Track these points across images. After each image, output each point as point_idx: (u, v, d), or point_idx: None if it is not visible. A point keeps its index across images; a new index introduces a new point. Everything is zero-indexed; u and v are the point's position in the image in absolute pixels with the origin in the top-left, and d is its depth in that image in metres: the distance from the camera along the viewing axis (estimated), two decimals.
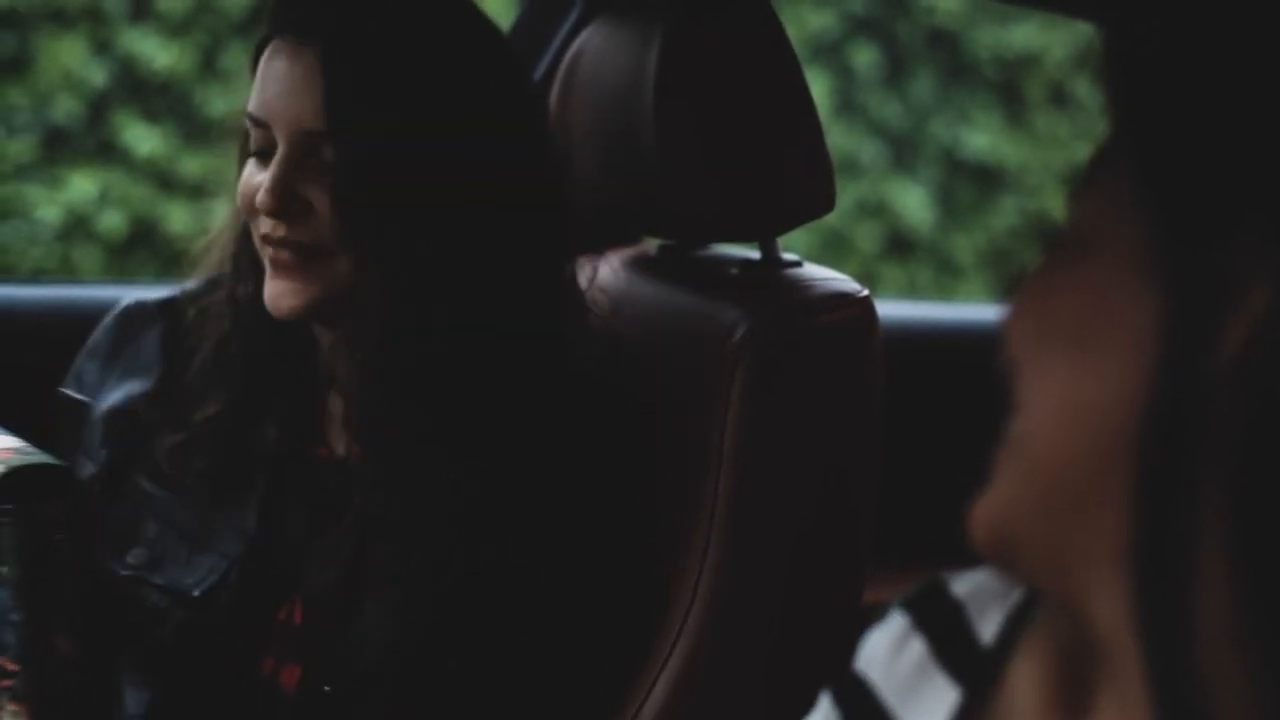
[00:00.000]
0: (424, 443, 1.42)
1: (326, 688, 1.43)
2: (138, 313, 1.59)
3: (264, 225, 1.43)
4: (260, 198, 1.42)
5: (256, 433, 1.50)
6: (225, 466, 1.49)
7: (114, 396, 1.54)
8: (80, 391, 1.56)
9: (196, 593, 1.46)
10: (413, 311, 1.41)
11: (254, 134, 1.45)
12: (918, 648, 0.79)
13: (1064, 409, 0.64)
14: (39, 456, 1.28)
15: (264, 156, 1.44)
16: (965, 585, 0.80)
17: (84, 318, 1.64)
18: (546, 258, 1.48)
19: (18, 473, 1.27)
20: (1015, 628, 0.76)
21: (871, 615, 0.84)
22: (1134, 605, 0.60)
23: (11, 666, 1.24)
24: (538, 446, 1.44)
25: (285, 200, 1.41)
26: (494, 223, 1.43)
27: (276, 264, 1.43)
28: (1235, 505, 0.56)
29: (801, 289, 1.51)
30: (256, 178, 1.44)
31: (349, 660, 1.42)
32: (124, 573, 1.49)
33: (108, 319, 1.60)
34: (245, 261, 1.50)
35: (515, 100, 1.47)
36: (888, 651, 0.81)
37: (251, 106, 1.44)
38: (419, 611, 1.41)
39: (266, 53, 1.45)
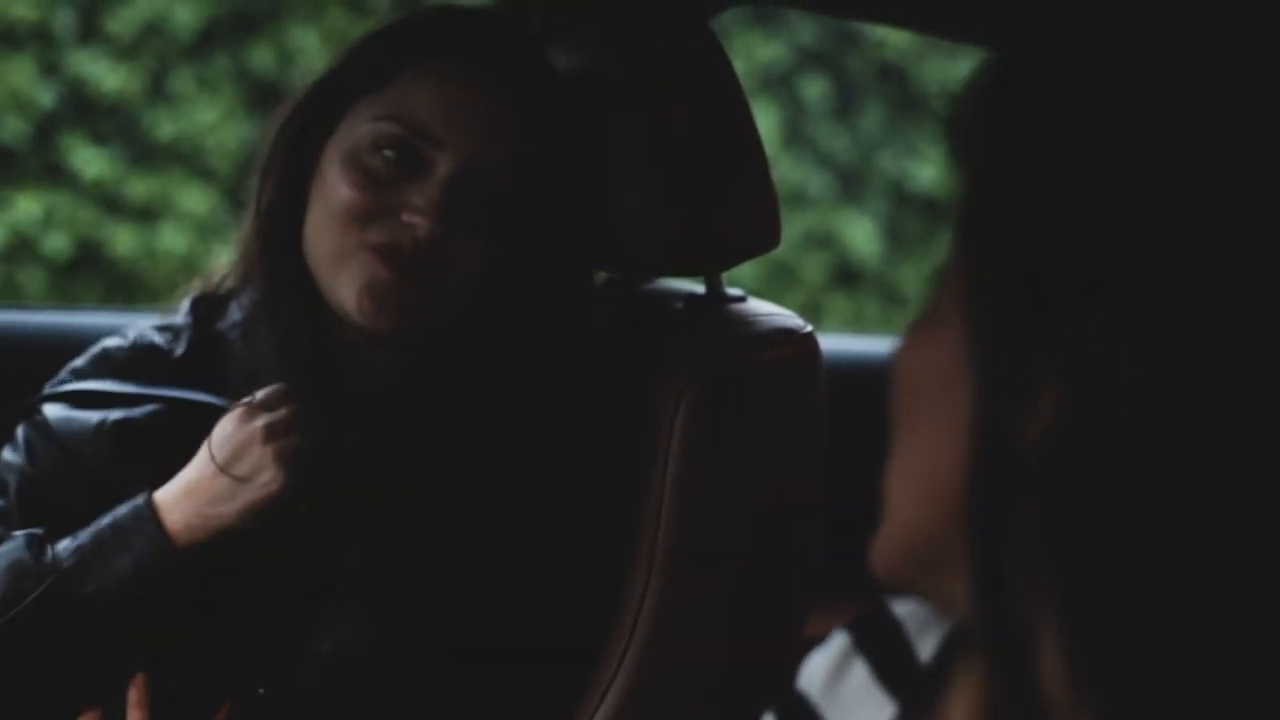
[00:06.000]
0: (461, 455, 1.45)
1: (261, 690, 1.43)
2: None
3: (396, 236, 1.41)
4: (423, 221, 1.39)
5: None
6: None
7: (124, 411, 1.51)
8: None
9: None
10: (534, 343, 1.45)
11: (389, 138, 1.42)
12: (859, 668, 0.81)
13: (921, 471, 0.67)
14: None
15: (405, 165, 1.42)
16: (906, 607, 0.81)
17: (27, 345, 1.63)
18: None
19: None
20: (953, 647, 0.77)
21: (816, 645, 0.85)
22: (980, 627, 0.64)
23: None
24: (539, 454, 1.46)
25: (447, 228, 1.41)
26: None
27: (392, 274, 1.41)
28: (1055, 567, 0.59)
29: (745, 325, 1.52)
30: (388, 186, 1.42)
31: (291, 668, 1.42)
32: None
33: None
34: (284, 274, 1.47)
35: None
36: (829, 671, 0.82)
37: (410, 114, 1.42)
38: (368, 626, 1.41)
39: (434, 70, 1.43)
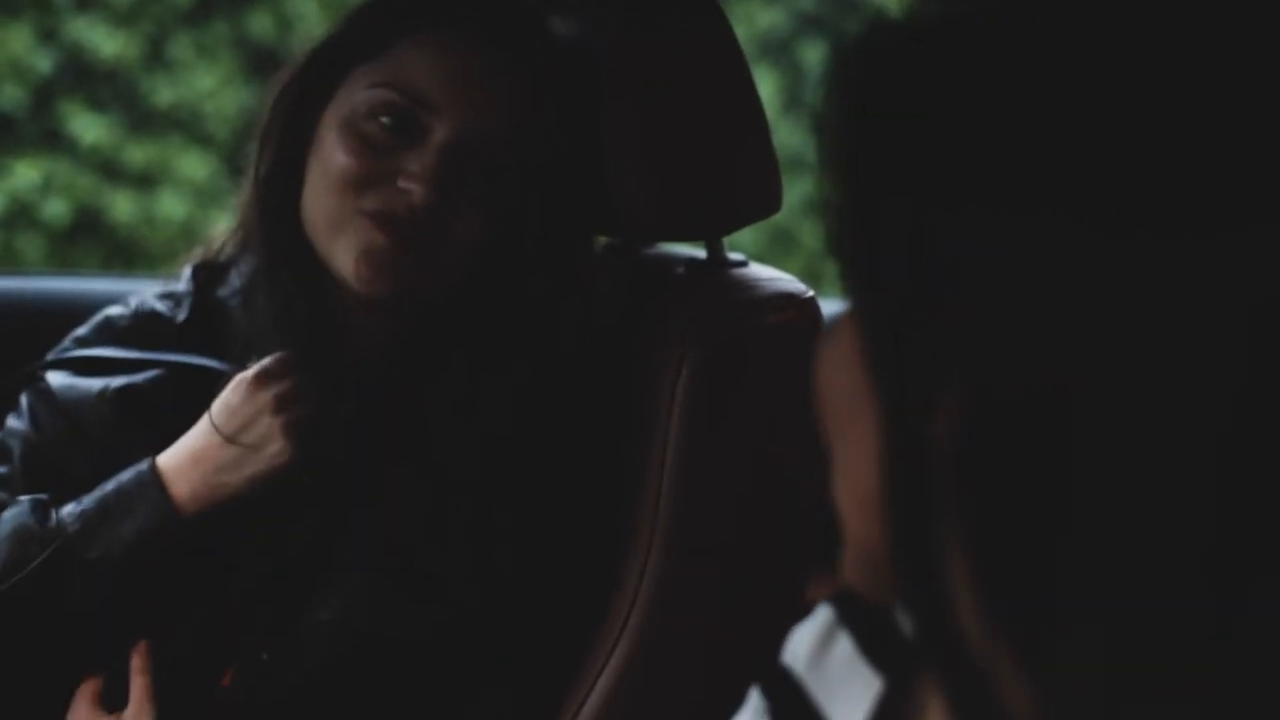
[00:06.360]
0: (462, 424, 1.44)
1: (265, 655, 1.43)
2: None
3: (391, 202, 1.40)
4: (419, 188, 1.39)
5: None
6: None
7: (127, 377, 1.51)
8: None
9: None
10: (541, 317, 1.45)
11: (385, 105, 1.41)
12: (844, 641, 0.81)
13: (859, 483, 0.65)
14: None
15: (402, 132, 1.41)
16: None
17: (28, 312, 1.63)
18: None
19: None
20: None
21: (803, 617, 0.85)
22: (917, 636, 0.63)
23: None
24: (538, 429, 1.46)
25: (443, 197, 1.39)
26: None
27: (388, 240, 1.40)
28: (974, 557, 0.59)
29: (747, 289, 1.52)
30: (384, 153, 1.41)
31: (292, 635, 1.43)
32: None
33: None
34: (282, 241, 1.46)
35: None
36: (814, 645, 0.82)
37: (408, 82, 1.41)
38: (367, 593, 1.42)
39: (433, 38, 1.43)
